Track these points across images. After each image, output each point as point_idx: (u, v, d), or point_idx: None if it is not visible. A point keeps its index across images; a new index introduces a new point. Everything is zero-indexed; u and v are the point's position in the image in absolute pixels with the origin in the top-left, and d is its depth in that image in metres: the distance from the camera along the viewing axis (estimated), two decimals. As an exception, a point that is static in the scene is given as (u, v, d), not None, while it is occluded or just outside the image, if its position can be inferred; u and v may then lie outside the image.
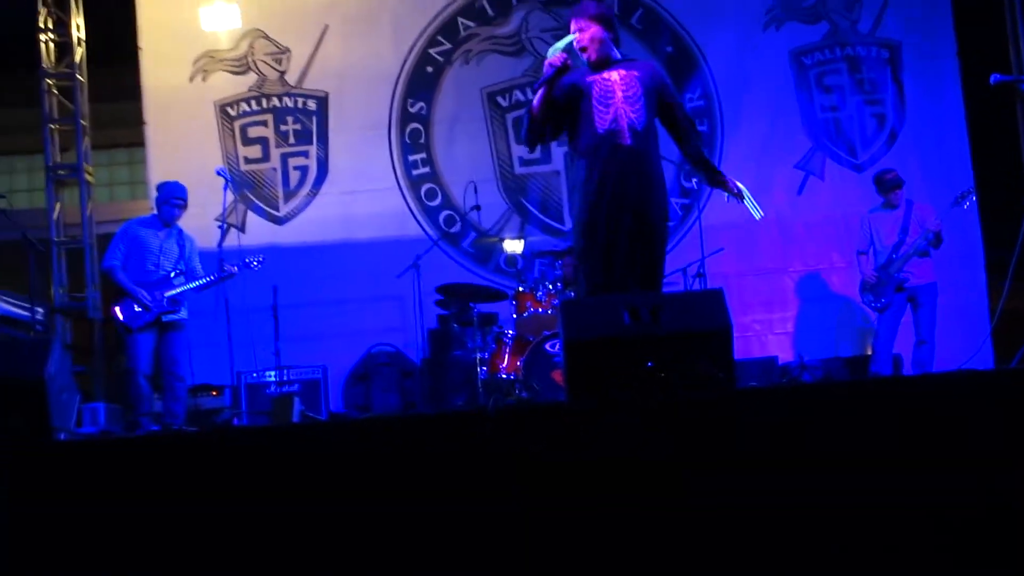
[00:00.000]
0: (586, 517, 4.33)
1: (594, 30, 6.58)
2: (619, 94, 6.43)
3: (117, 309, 8.69)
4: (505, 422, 4.64)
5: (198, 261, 9.16)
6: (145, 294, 8.66)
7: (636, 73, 6.50)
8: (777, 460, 4.35)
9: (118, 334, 8.87)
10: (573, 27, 6.60)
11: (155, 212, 9.19)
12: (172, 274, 8.85)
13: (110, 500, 4.42)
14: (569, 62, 6.53)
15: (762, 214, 6.68)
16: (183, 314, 8.91)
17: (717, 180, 6.70)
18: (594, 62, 6.55)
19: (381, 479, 4.44)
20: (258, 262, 9.25)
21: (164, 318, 8.74)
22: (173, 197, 9.03)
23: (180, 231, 9.11)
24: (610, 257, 6.39)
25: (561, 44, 6.49)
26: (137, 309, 8.66)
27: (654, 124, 6.54)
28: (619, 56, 6.61)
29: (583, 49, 6.59)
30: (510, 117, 11.70)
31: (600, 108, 6.44)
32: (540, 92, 6.49)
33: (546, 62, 6.51)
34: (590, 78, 6.51)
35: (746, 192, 6.66)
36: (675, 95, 6.77)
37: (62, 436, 4.82)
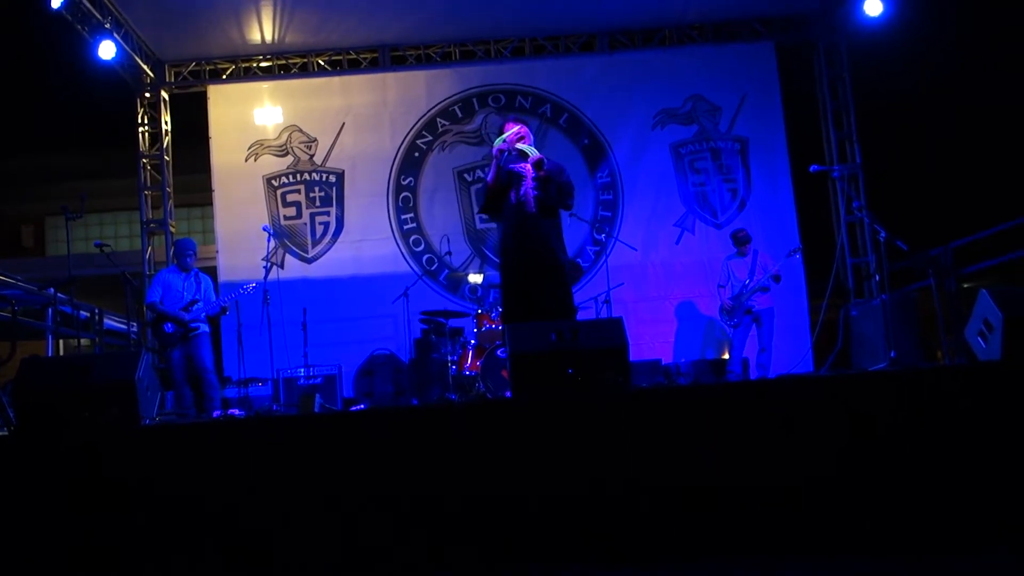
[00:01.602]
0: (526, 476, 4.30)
1: (521, 129, 6.66)
2: (528, 178, 6.51)
3: (163, 328, 8.77)
4: (469, 412, 4.62)
5: (213, 292, 9.17)
6: (182, 314, 8.72)
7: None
8: (655, 435, 4.35)
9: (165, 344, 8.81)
10: (509, 127, 6.70)
11: (174, 263, 9.18)
12: (194, 302, 8.85)
13: (180, 468, 4.36)
14: (504, 149, 6.59)
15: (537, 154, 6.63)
16: (204, 328, 8.92)
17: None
18: (517, 154, 6.59)
19: (379, 454, 4.39)
20: (251, 288, 9.16)
21: (189, 333, 8.75)
22: (187, 250, 9.10)
23: (196, 272, 9.09)
24: (516, 294, 6.48)
25: (500, 139, 6.63)
26: (170, 330, 8.72)
27: (550, 195, 6.57)
28: (534, 152, 6.68)
29: (520, 139, 6.65)
30: (473, 189, 11.68)
31: (515, 187, 6.51)
32: (492, 167, 6.59)
33: (494, 148, 6.62)
34: (512, 166, 6.59)
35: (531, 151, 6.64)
36: (564, 178, 6.74)
37: (147, 422, 4.73)
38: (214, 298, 9.03)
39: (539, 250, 6.53)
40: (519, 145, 6.67)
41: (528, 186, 6.60)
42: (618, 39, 12.10)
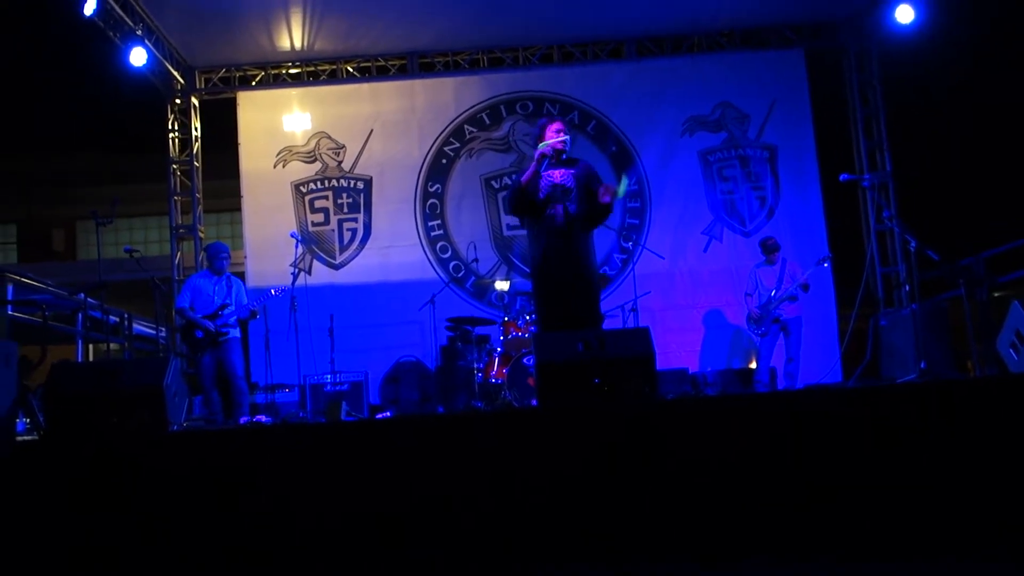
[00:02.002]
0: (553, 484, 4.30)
1: (565, 134, 6.56)
2: (559, 186, 6.43)
3: (193, 333, 8.72)
4: (495, 420, 4.62)
5: (245, 296, 9.08)
6: (207, 323, 8.66)
7: (572, 171, 6.51)
8: (682, 445, 4.34)
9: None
10: (558, 126, 6.59)
11: (207, 267, 9.15)
12: (224, 307, 8.79)
13: (207, 474, 4.38)
14: (548, 153, 6.50)
15: (624, 191, 6.54)
16: (235, 333, 8.88)
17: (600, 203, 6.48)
18: (556, 159, 6.51)
19: (405, 462, 4.40)
20: (277, 291, 9.06)
21: (219, 338, 8.70)
22: (220, 253, 9.02)
23: (228, 276, 9.03)
24: (554, 306, 6.39)
25: (544, 144, 6.49)
26: (200, 336, 8.68)
27: (584, 206, 6.47)
28: (565, 157, 6.61)
29: (563, 144, 6.55)
30: (500, 196, 11.68)
31: (559, 200, 6.42)
32: (531, 168, 6.45)
33: (537, 151, 6.50)
34: (545, 172, 6.48)
35: (620, 188, 6.50)
36: (598, 180, 6.61)
37: (175, 428, 4.76)
38: (245, 301, 9.02)
39: (580, 265, 6.44)
40: (561, 157, 6.55)
41: (571, 200, 6.47)
42: (646, 46, 12.08)
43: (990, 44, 13.50)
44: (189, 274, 10.31)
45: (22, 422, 6.40)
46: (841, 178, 8.42)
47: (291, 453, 4.42)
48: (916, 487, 4.22)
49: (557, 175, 6.51)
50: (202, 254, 9.68)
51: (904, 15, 10.49)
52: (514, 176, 6.51)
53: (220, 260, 8.98)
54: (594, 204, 6.48)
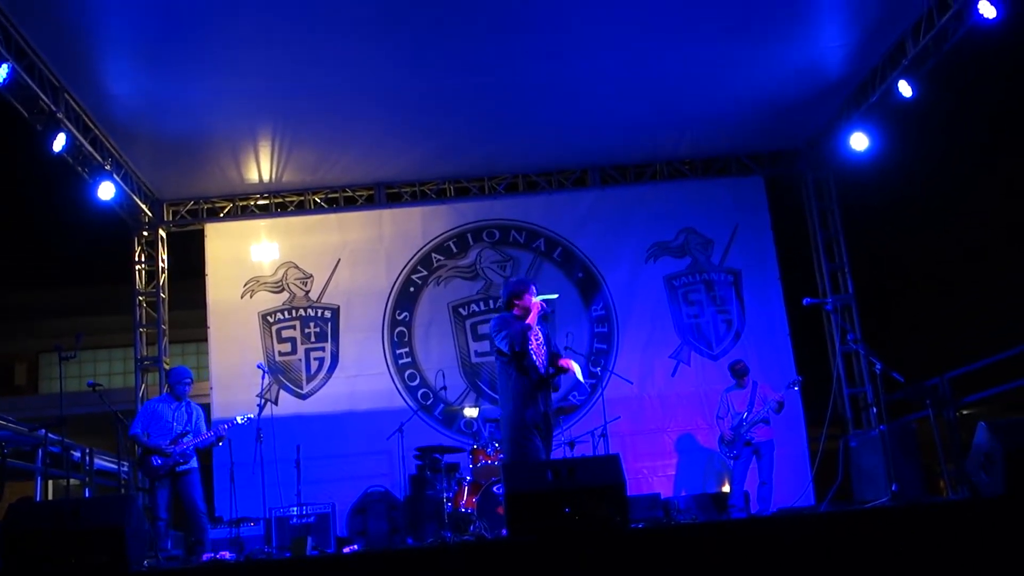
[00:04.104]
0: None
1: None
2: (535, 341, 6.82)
3: (149, 460, 8.43)
4: (465, 553, 4.55)
5: (204, 424, 8.89)
6: (167, 448, 8.42)
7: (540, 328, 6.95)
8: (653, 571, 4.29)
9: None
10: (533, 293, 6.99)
11: (168, 391, 9.00)
12: (183, 435, 8.56)
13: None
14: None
15: (584, 380, 6.94)
16: (193, 463, 8.61)
17: (555, 363, 6.92)
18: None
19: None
20: (245, 418, 8.91)
21: (178, 468, 8.44)
22: (183, 378, 8.88)
23: (188, 403, 8.85)
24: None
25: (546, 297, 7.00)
26: (157, 464, 8.41)
27: None
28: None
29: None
30: (468, 323, 11.77)
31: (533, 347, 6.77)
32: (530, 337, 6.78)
33: (540, 303, 6.88)
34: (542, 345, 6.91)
35: (575, 366, 6.95)
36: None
37: (135, 568, 4.65)
38: (205, 430, 8.83)
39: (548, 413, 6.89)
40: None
41: (537, 347, 6.87)
42: (610, 174, 12.36)
43: (948, 165, 13.91)
44: (149, 399, 10.17)
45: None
46: (804, 303, 8.58)
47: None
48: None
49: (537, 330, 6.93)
50: (167, 377, 9.50)
51: (858, 143, 10.74)
52: (514, 326, 6.78)
53: (183, 386, 8.83)
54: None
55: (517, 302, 6.94)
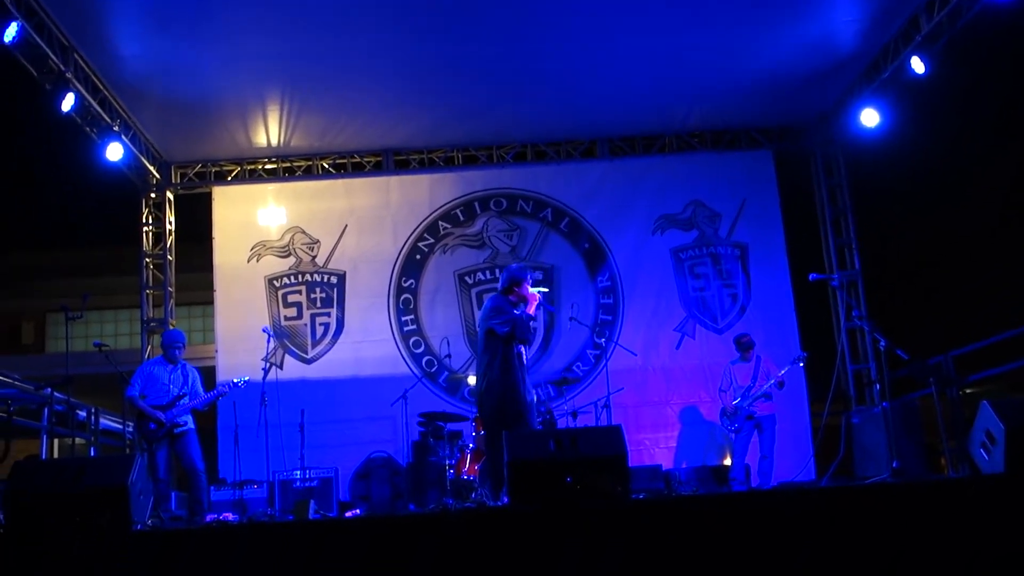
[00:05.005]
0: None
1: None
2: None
3: (147, 424, 8.47)
4: (466, 520, 4.57)
5: (200, 386, 8.91)
6: (159, 413, 8.45)
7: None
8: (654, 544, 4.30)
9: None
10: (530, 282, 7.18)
11: (162, 354, 9.01)
12: (181, 397, 8.61)
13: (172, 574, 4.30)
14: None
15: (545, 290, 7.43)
16: (190, 424, 8.63)
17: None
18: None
19: (374, 563, 4.34)
20: (244, 382, 8.96)
21: (175, 431, 8.48)
22: (176, 341, 8.93)
23: (184, 364, 8.88)
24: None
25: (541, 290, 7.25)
26: (152, 428, 8.46)
27: None
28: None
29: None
30: (474, 291, 11.77)
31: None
32: (537, 311, 7.07)
33: (540, 295, 7.10)
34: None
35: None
36: None
37: (138, 527, 4.68)
38: (202, 392, 8.87)
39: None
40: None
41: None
42: (618, 145, 12.31)
43: (956, 142, 13.83)
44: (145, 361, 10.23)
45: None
46: (810, 278, 8.55)
47: (258, 554, 4.35)
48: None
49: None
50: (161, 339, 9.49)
51: (869, 119, 10.67)
52: (517, 311, 6.92)
53: (175, 349, 8.86)
54: None
55: (516, 288, 7.07)
